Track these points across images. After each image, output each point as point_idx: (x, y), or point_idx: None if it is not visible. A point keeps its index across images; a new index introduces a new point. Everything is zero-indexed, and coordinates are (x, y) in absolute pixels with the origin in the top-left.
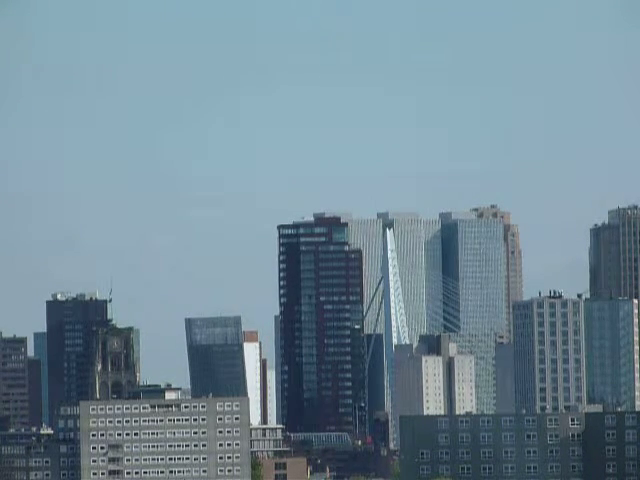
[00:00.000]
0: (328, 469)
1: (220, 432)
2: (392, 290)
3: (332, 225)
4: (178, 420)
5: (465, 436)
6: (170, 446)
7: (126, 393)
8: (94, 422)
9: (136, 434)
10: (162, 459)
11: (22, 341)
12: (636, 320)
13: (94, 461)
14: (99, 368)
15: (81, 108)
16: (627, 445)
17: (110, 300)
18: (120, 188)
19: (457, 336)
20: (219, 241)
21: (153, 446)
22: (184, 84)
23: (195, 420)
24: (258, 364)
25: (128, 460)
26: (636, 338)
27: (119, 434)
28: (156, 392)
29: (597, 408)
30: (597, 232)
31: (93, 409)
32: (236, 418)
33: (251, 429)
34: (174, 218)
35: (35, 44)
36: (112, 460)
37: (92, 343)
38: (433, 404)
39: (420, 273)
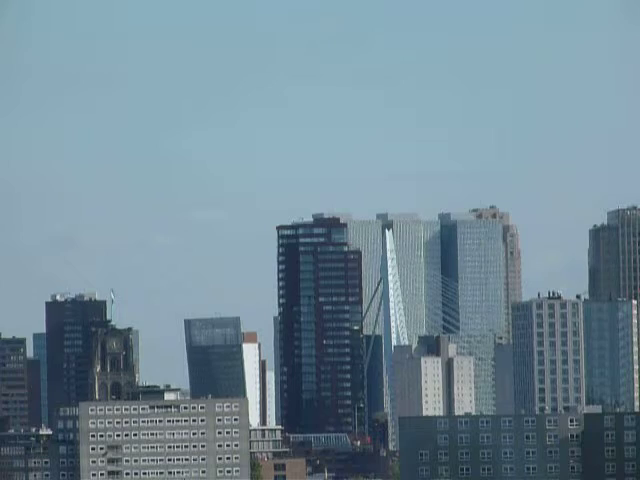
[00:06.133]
0: (327, 470)
1: (219, 433)
2: (391, 291)
3: (331, 226)
4: (177, 421)
5: (464, 437)
6: (169, 447)
7: (125, 394)
8: (93, 423)
9: (135, 435)
10: (161, 460)
11: (21, 342)
12: (635, 321)
13: (93, 462)
14: (98, 369)
15: (81, 108)
16: (626, 446)
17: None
18: (120, 188)
19: (456, 337)
20: (218, 242)
21: (152, 447)
22: (184, 85)
23: (194, 421)
24: (257, 365)
25: (127, 461)
26: (635, 339)
27: (118, 435)
28: (155, 393)
29: (596, 409)
30: (596, 233)
31: (92, 410)
32: (235, 419)
33: (250, 430)
34: (174, 219)
35: (35, 44)
36: (111, 461)
37: (91, 344)
38: (432, 405)
39: (419, 274)
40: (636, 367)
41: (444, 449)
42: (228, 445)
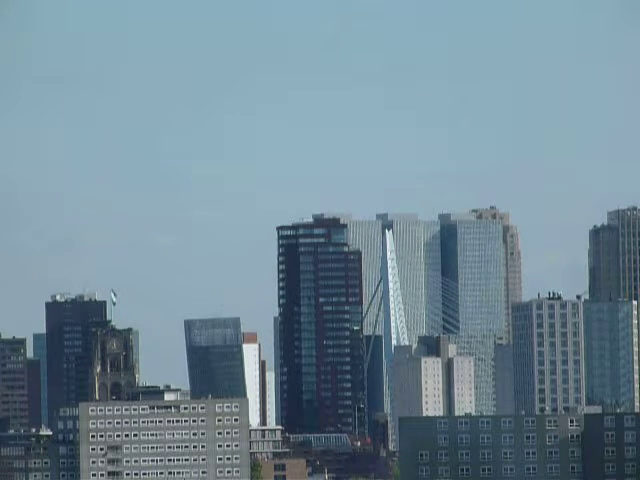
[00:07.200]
0: (327, 470)
1: (219, 433)
2: (391, 291)
3: (331, 226)
4: (177, 421)
5: (464, 437)
6: (169, 447)
7: (125, 394)
8: (93, 423)
9: (135, 435)
10: (161, 460)
11: (21, 342)
12: (635, 321)
13: (93, 462)
14: (98, 369)
15: (81, 108)
16: (626, 446)
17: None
18: (120, 188)
19: (456, 337)
20: (218, 242)
21: (152, 447)
22: (184, 85)
23: (194, 421)
24: (257, 365)
25: (127, 461)
26: (635, 339)
27: (118, 435)
28: (155, 393)
29: (596, 409)
30: (596, 233)
31: (92, 410)
32: (235, 419)
33: (250, 430)
34: (174, 219)
35: (35, 44)
36: (111, 461)
37: (91, 344)
38: (432, 405)
39: (419, 274)
40: (636, 367)
41: (444, 449)
42: (228, 445)
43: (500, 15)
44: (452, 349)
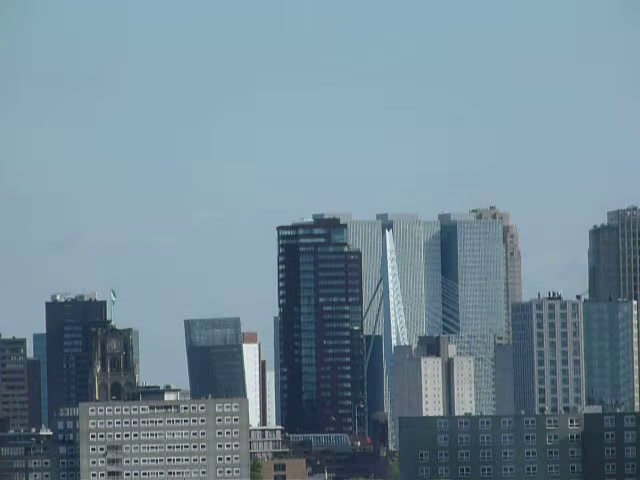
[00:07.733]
0: (327, 470)
1: (219, 433)
2: (391, 291)
3: (331, 226)
4: (177, 421)
5: (464, 437)
6: (169, 447)
7: (125, 394)
8: (93, 423)
9: (135, 435)
10: (161, 460)
11: (21, 342)
12: (635, 321)
13: (93, 462)
14: (98, 369)
15: (81, 108)
16: (626, 446)
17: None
18: (120, 188)
19: (456, 337)
20: (218, 242)
21: (152, 447)
22: (184, 85)
23: (194, 421)
24: (257, 365)
25: (127, 461)
26: (635, 339)
27: (118, 435)
28: (155, 393)
29: (596, 409)
30: (596, 233)
31: (92, 410)
32: (235, 419)
33: (250, 430)
34: (174, 219)
35: (35, 44)
36: (111, 461)
37: (91, 344)
38: (432, 405)
39: (419, 274)
40: (636, 367)
41: (444, 449)
42: (228, 445)
43: (500, 15)
44: (452, 349)
